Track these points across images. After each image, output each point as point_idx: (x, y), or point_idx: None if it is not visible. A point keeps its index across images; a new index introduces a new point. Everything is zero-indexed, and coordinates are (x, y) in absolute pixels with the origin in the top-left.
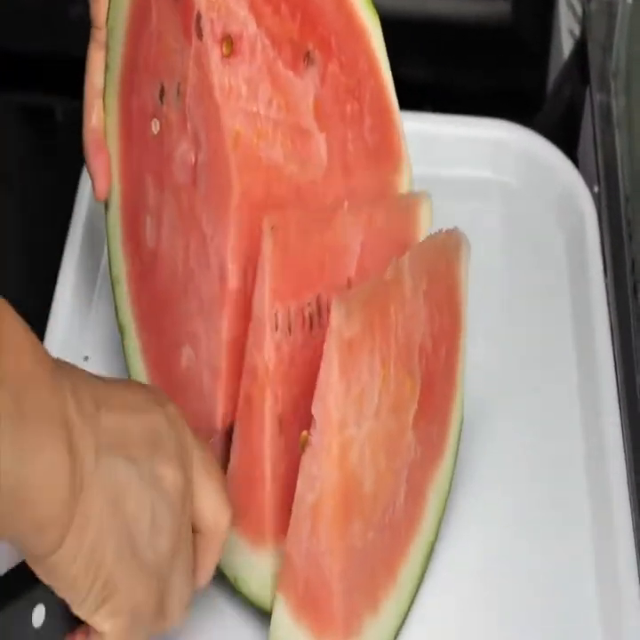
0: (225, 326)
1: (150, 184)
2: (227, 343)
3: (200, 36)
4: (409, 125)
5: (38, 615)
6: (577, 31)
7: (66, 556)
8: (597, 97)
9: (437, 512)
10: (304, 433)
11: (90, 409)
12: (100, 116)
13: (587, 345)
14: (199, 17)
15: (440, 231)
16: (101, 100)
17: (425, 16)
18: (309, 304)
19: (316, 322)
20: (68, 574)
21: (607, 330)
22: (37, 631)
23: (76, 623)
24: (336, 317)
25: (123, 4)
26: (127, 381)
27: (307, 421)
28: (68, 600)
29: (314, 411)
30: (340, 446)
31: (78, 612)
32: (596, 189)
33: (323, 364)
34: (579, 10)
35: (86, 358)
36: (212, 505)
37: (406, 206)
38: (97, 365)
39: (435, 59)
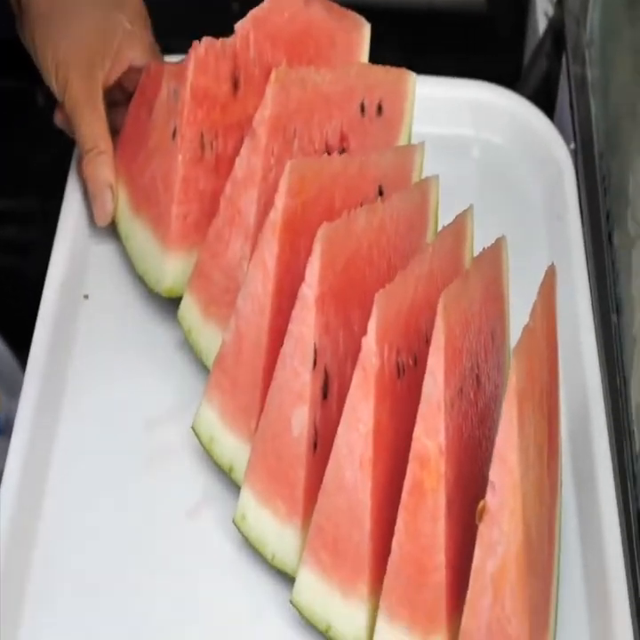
0: (370, 415)
1: None
2: (373, 432)
3: None
4: None
5: None
6: (551, 13)
7: None
8: (573, 66)
9: (559, 547)
10: (481, 503)
11: None
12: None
13: (566, 288)
14: None
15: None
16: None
17: (401, 3)
18: (462, 372)
19: (462, 387)
20: None
21: (585, 274)
22: None
23: None
24: (516, 371)
25: None
26: None
27: (472, 493)
28: None
29: (492, 475)
30: (522, 502)
31: None
32: (572, 146)
33: (502, 424)
34: None
35: (86, 296)
36: None
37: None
38: (96, 304)
39: (412, 45)
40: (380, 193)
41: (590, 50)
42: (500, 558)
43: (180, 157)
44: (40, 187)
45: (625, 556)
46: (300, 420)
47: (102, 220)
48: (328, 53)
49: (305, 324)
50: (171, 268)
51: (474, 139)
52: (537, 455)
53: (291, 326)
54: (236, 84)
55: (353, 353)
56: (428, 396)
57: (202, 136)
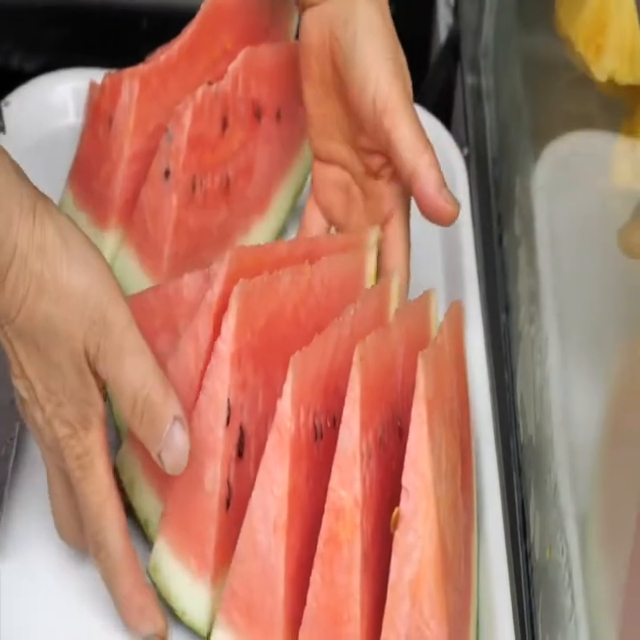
0: (285, 479)
1: None
2: (288, 496)
3: None
4: None
5: None
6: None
7: None
8: (468, 75)
9: (476, 576)
10: (396, 510)
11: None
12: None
13: (456, 289)
14: None
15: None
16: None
17: None
18: (383, 424)
19: (383, 439)
20: None
21: (475, 275)
22: None
23: None
24: (423, 377)
25: None
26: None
27: (386, 547)
28: None
29: (404, 481)
30: (436, 505)
31: None
32: (465, 151)
33: (412, 427)
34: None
35: None
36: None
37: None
38: None
39: None
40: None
41: (485, 59)
42: (416, 563)
43: (174, 202)
44: None
45: (508, 553)
46: (212, 476)
47: None
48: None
49: (219, 380)
50: None
51: None
52: (451, 473)
53: (205, 382)
54: (224, 124)
55: (274, 414)
56: (344, 447)
57: (193, 177)
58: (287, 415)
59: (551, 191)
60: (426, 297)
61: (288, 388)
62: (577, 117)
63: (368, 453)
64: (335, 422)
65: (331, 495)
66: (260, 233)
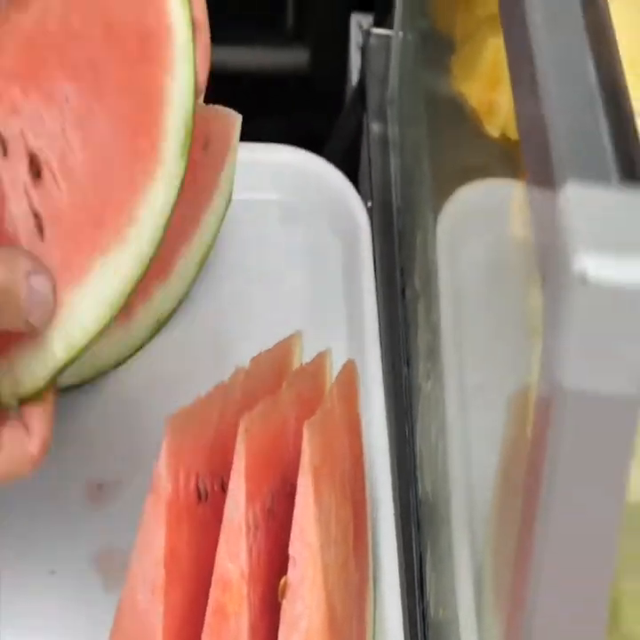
0: (162, 540)
1: None
2: (166, 557)
3: None
4: None
5: None
6: None
7: None
8: (374, 123)
9: (371, 636)
10: (283, 579)
11: None
12: None
13: (357, 343)
14: None
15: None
16: None
17: (223, 65)
18: (271, 493)
19: (272, 508)
20: None
21: (376, 326)
22: None
23: None
24: (308, 446)
25: None
26: None
27: (276, 617)
28: None
29: (291, 550)
30: (323, 573)
31: None
32: (369, 205)
33: (298, 497)
34: None
35: None
36: None
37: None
38: None
39: (234, 108)
40: None
41: (392, 107)
42: (303, 632)
43: None
44: None
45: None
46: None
47: None
48: None
49: None
50: None
51: (274, 202)
52: (341, 536)
53: None
54: None
55: (73, 118)
56: (230, 519)
57: None
58: (164, 477)
59: (451, 244)
60: (320, 358)
61: (164, 449)
62: (478, 168)
63: (255, 524)
64: (223, 487)
65: (217, 568)
66: (162, 299)
